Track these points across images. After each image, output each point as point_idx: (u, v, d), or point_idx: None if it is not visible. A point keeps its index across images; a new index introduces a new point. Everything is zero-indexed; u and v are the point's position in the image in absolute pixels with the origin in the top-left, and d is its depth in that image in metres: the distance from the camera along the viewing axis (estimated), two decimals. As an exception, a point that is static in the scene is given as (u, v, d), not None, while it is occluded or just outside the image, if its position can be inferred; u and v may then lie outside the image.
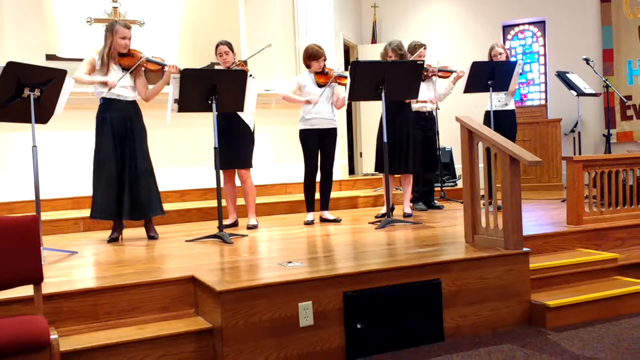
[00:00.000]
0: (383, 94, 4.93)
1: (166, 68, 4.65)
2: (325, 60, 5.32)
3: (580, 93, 6.48)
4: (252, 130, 5.24)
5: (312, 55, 5.26)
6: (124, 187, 4.53)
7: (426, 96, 5.78)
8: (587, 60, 6.58)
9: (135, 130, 4.60)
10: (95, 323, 3.05)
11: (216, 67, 5.56)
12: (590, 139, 8.63)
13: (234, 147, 5.08)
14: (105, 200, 4.51)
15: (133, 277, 3.29)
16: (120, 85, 4.57)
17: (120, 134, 4.55)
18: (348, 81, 4.95)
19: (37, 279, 2.57)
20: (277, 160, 7.56)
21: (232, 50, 5.23)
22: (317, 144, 5.27)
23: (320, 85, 5.27)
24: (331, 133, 5.31)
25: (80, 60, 7.51)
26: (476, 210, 3.95)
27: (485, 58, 6.04)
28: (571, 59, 8.12)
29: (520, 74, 7.29)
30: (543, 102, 9.05)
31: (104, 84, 4.51)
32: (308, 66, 5.32)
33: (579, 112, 6.66)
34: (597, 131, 8.62)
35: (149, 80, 4.77)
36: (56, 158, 6.41)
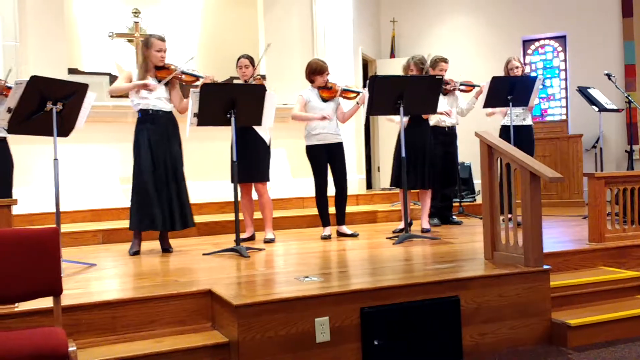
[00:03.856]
0: (401, 109, 4.92)
1: (201, 80, 4.72)
2: (328, 74, 5.32)
3: (602, 109, 6.40)
4: (268, 144, 5.26)
5: (315, 70, 5.26)
6: (163, 198, 4.58)
7: (443, 108, 5.73)
8: (609, 76, 6.51)
9: (172, 142, 4.67)
10: (113, 336, 3.06)
11: (235, 81, 5.61)
12: (613, 155, 8.51)
13: (251, 161, 5.10)
14: (144, 210, 4.56)
15: (151, 290, 3.30)
16: (156, 96, 4.64)
17: (158, 146, 4.60)
18: (366, 97, 4.93)
19: (56, 291, 2.59)
20: (295, 174, 7.56)
21: (252, 64, 5.28)
22: (325, 159, 5.26)
23: (324, 100, 5.28)
24: (338, 147, 5.30)
25: (102, 74, 7.58)
26: (496, 227, 3.91)
27: (505, 73, 6.01)
28: (593, 74, 8.03)
29: (541, 89, 7.24)
30: (564, 117, 8.96)
31: (144, 85, 4.58)
32: (312, 81, 5.32)
33: (601, 128, 6.58)
34: (620, 147, 8.50)
35: (183, 93, 4.84)
36: (76, 171, 6.49)
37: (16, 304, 2.92)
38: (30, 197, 5.77)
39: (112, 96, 7.53)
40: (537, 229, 3.59)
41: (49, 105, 3.92)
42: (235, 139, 4.63)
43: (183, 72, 4.71)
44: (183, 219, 4.66)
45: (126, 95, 4.93)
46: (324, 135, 5.23)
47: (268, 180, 5.27)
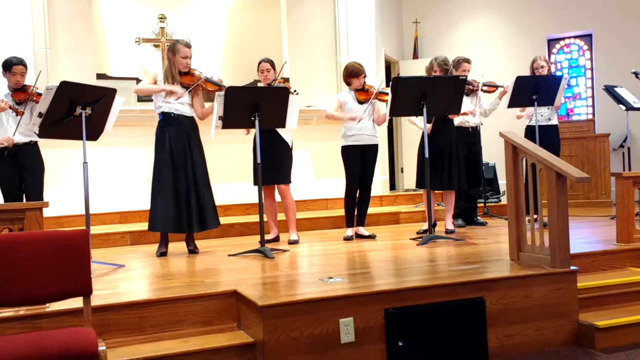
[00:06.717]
0: (425, 110, 4.91)
1: (223, 90, 4.76)
2: (365, 77, 5.34)
3: (629, 107, 6.31)
4: (290, 146, 5.30)
5: (352, 73, 5.29)
6: (183, 200, 4.64)
7: (467, 108, 5.70)
8: (636, 74, 6.41)
9: (192, 145, 4.73)
10: (141, 335, 3.12)
11: (259, 84, 5.66)
12: (641, 154, 8.35)
13: (273, 163, 5.13)
14: (165, 212, 4.62)
15: (178, 291, 3.35)
16: (179, 101, 4.72)
17: (178, 148, 4.67)
18: (389, 97, 4.96)
19: (86, 292, 2.64)
20: (318, 176, 7.59)
21: (273, 67, 5.32)
22: (359, 160, 5.28)
23: (360, 102, 5.29)
24: (372, 149, 5.32)
25: (130, 79, 7.70)
26: (521, 227, 3.88)
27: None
28: (619, 73, 7.89)
29: (567, 88, 7.14)
30: (590, 116, 8.83)
31: (171, 92, 4.66)
32: (348, 83, 5.36)
33: (628, 127, 6.47)
34: (648, 146, 8.34)
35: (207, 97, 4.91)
36: (105, 173, 6.60)
37: (47, 305, 2.99)
38: (60, 200, 5.90)
39: (138, 97, 7.68)
40: (564, 230, 3.55)
41: (79, 109, 4.01)
42: (260, 141, 4.68)
43: (207, 80, 4.78)
44: (201, 221, 4.70)
45: (152, 99, 5.02)
46: (359, 136, 5.25)
47: (290, 182, 5.30)
